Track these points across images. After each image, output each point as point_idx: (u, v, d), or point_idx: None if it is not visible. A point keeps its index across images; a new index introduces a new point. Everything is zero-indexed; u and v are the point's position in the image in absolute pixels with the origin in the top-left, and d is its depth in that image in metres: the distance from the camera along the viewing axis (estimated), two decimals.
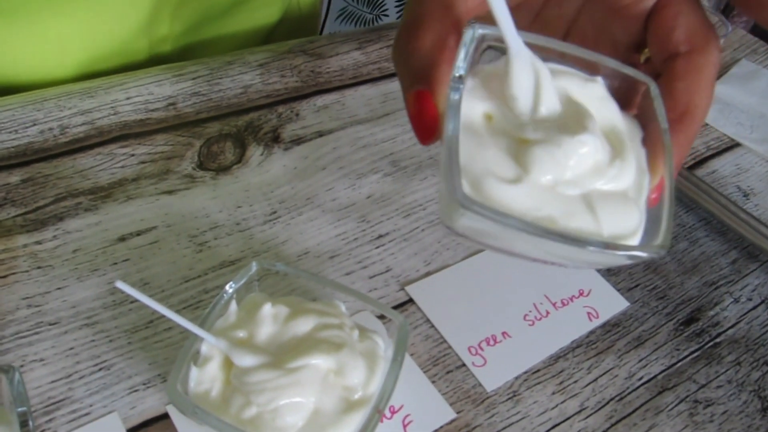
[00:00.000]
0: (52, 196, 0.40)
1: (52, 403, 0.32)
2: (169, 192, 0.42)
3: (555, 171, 0.24)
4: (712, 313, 0.44)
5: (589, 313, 0.41)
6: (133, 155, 0.43)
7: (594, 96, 0.27)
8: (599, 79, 0.27)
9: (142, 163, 0.43)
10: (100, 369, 0.33)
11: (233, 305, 0.33)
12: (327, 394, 0.30)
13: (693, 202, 0.51)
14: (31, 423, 0.27)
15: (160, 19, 0.50)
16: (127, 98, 0.46)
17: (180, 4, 0.50)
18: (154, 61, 0.52)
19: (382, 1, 1.42)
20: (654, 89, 0.27)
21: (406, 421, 0.34)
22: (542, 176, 0.24)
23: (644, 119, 0.28)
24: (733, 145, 0.58)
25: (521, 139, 0.25)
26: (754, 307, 0.45)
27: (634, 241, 0.25)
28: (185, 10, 0.51)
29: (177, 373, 0.30)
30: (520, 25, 0.26)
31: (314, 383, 0.30)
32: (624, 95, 0.28)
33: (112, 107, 0.46)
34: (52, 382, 0.33)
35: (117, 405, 0.32)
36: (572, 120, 0.25)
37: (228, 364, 0.31)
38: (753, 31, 1.19)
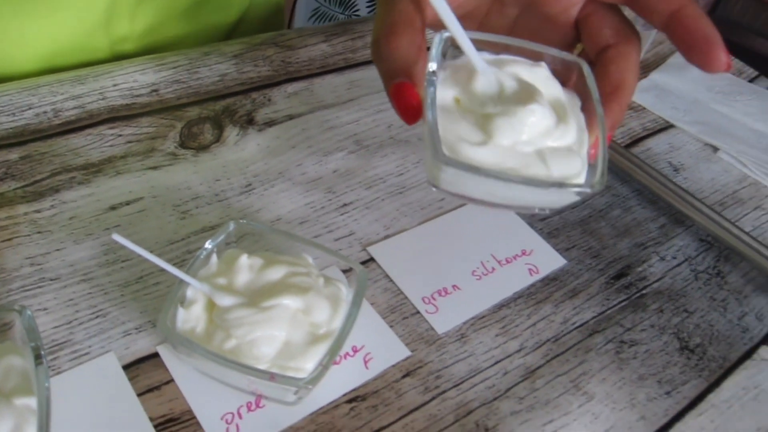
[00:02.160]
0: (48, 171, 0.45)
1: (56, 344, 0.37)
2: (154, 168, 0.47)
3: (512, 134, 0.31)
4: (640, 269, 0.49)
5: (530, 270, 0.47)
6: (120, 135, 0.48)
7: (540, 77, 0.34)
8: (543, 63, 0.35)
9: (129, 142, 0.48)
10: (97, 316, 0.38)
11: (214, 258, 0.38)
12: (296, 329, 0.35)
13: (628, 175, 0.57)
14: (43, 354, 0.31)
15: (118, 18, 0.54)
16: (114, 85, 0.51)
17: (137, 5, 0.54)
18: (116, 58, 0.55)
19: (353, 2, 1.47)
20: (586, 68, 0.35)
21: (366, 358, 0.39)
22: (503, 139, 0.31)
23: (581, 92, 0.35)
24: (668, 127, 0.64)
25: (484, 114, 0.32)
26: (678, 265, 0.51)
27: (579, 181, 0.32)
28: (143, 10, 0.55)
29: (166, 313, 0.35)
30: (468, 26, 0.33)
31: (285, 320, 0.35)
32: (563, 75, 0.35)
33: (100, 93, 0.50)
34: (55, 327, 0.37)
35: (113, 346, 0.37)
36: (524, 95, 0.33)
37: (210, 306, 0.36)
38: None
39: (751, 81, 0.72)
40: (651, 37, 0.63)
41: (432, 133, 0.31)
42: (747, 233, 0.52)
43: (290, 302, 0.35)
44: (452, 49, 0.34)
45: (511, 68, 0.34)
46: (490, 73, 0.33)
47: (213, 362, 0.34)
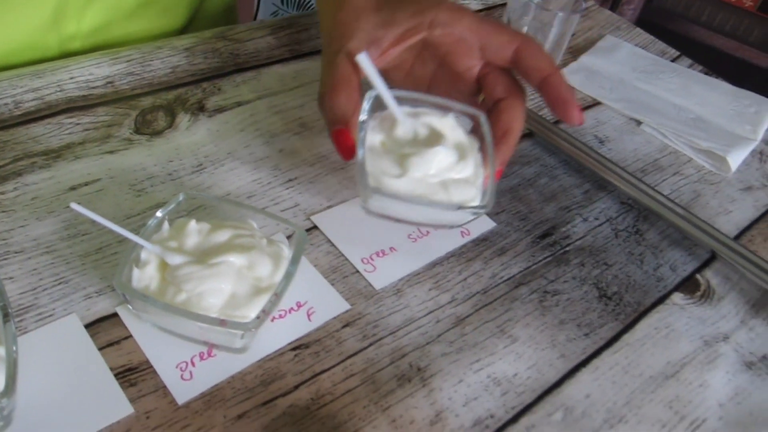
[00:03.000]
0: (10, 157, 0.48)
1: (22, 308, 0.40)
2: (111, 152, 0.51)
3: (422, 169, 0.43)
4: (564, 229, 0.54)
5: (462, 232, 0.51)
6: (78, 124, 0.52)
7: (447, 125, 0.46)
8: (450, 114, 0.46)
9: (87, 130, 0.52)
10: (60, 283, 0.42)
11: (166, 225, 0.41)
12: (240, 282, 0.39)
13: (555, 147, 0.61)
14: (10, 312, 0.35)
15: (65, 17, 0.57)
16: (71, 78, 0.55)
17: (85, 5, 0.57)
18: (66, 56, 0.58)
19: (309, 3, 1.53)
20: (483, 118, 0.46)
21: (309, 312, 0.43)
22: (415, 173, 0.43)
23: (480, 136, 0.46)
24: (595, 104, 0.69)
25: (402, 154, 0.44)
26: (599, 225, 0.55)
27: (473, 204, 0.44)
28: (90, 11, 0.58)
29: (121, 273, 0.38)
30: (397, 79, 0.50)
31: (230, 274, 0.39)
32: (468, 123, 0.47)
33: (58, 85, 0.54)
34: (21, 294, 0.41)
35: (75, 308, 0.41)
36: (432, 139, 0.44)
37: (162, 266, 0.40)
38: (638, 20, 1.33)
39: (673, 60, 0.78)
40: (576, 21, 0.68)
41: (361, 168, 0.42)
42: (664, 195, 0.57)
43: (235, 259, 0.39)
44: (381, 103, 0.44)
45: (424, 118, 0.46)
46: (407, 122, 0.45)
47: (167, 314, 0.37)
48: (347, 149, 0.43)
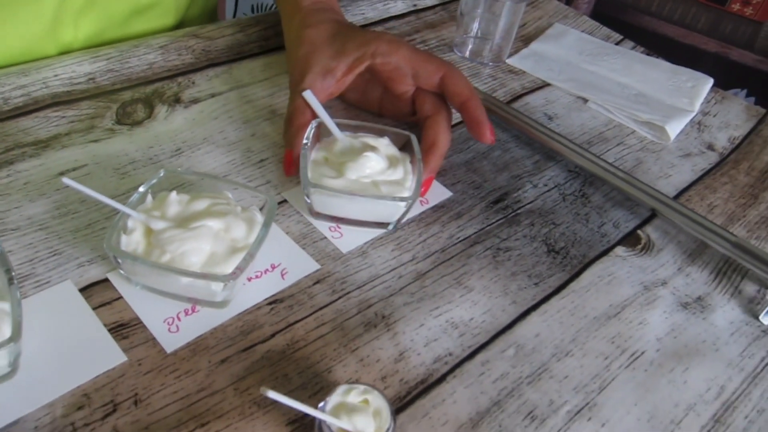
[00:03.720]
0: (2, 148, 0.52)
1: (21, 277, 0.44)
2: (95, 141, 0.55)
3: (356, 172, 0.50)
4: (515, 195, 0.59)
5: (421, 201, 0.56)
6: (64, 117, 0.56)
7: (382, 143, 0.53)
8: (386, 137, 0.54)
9: (72, 122, 0.56)
10: (54, 255, 0.46)
11: (149, 197, 0.46)
12: (218, 243, 0.43)
13: (508, 124, 0.66)
14: (14, 275, 0.39)
15: (63, 26, 0.61)
16: (55, 75, 0.59)
17: (79, 15, 0.62)
18: None
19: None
20: (413, 138, 0.54)
21: (283, 272, 0.48)
22: (350, 175, 0.50)
23: (411, 152, 0.54)
24: (545, 86, 0.75)
25: (340, 162, 0.51)
26: (548, 190, 0.60)
27: (402, 202, 0.50)
28: (86, 20, 0.63)
29: (110, 239, 0.42)
30: (353, 99, 0.63)
31: (209, 236, 0.43)
32: (401, 142, 0.55)
33: (43, 83, 0.58)
34: (19, 264, 0.45)
35: (69, 275, 0.45)
36: (365, 150, 0.51)
37: (148, 233, 0.44)
38: (593, 13, 1.39)
39: (617, 44, 0.83)
40: (522, 10, 0.74)
41: (303, 175, 0.49)
42: (608, 162, 0.62)
43: (213, 223, 0.44)
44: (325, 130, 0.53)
45: (363, 139, 0.53)
46: (346, 140, 0.53)
47: (154, 272, 0.42)
48: (288, 165, 0.54)
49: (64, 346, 0.41)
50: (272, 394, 0.34)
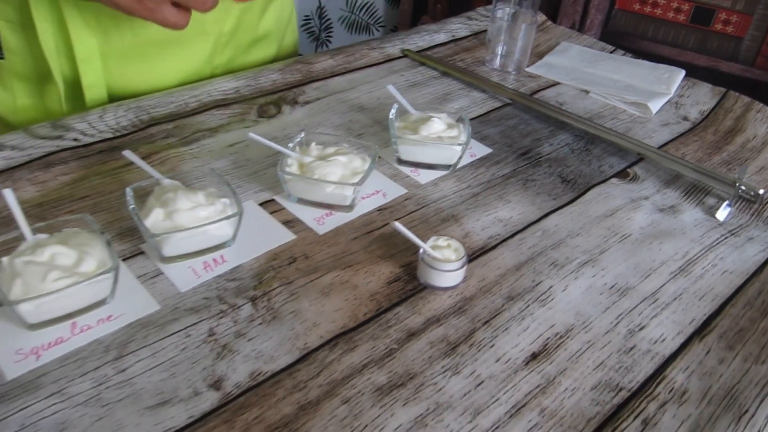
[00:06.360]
0: (189, 132, 0.79)
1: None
2: (246, 127, 0.81)
3: (427, 130, 0.76)
4: (537, 150, 0.83)
5: (471, 155, 0.81)
6: (224, 114, 0.83)
7: (442, 116, 0.79)
8: (444, 113, 0.78)
9: (229, 117, 0.83)
10: (238, 187, 0.71)
11: (297, 149, 0.72)
12: (345, 169, 0.68)
13: (528, 108, 0.91)
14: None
15: (214, 56, 0.90)
16: (214, 88, 0.86)
17: (224, 47, 0.91)
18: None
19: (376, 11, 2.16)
20: (465, 115, 0.92)
21: (384, 194, 0.73)
22: (423, 132, 0.76)
23: (461, 123, 0.76)
24: (556, 84, 1.00)
25: (414, 127, 0.85)
26: (560, 147, 0.85)
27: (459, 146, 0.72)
28: (226, 50, 0.91)
29: (281, 166, 0.68)
30: None
31: (339, 165, 0.68)
32: (456, 117, 0.73)
33: (208, 93, 0.85)
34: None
35: (251, 198, 0.70)
36: (431, 117, 0.75)
37: (300, 167, 0.69)
38: (603, 31, 1.65)
39: (611, 53, 1.09)
40: (534, 30, 1.00)
41: (392, 135, 0.74)
42: (605, 126, 0.87)
43: (341, 158, 0.69)
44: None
45: (428, 113, 0.78)
46: (416, 113, 0.78)
47: (309, 184, 0.67)
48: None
49: (259, 230, 0.66)
50: (398, 226, 0.58)
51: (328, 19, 2.45)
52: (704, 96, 1.00)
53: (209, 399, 0.49)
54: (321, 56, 0.98)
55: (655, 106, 0.94)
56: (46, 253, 0.53)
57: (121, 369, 0.51)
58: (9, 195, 0.56)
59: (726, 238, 0.72)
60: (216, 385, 0.50)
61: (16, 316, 0.52)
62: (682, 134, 0.91)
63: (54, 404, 0.48)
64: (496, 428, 0.49)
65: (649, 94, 0.96)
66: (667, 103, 0.97)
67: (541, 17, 1.18)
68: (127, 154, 0.65)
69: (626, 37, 1.57)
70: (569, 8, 1.65)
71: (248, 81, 0.90)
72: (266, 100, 0.87)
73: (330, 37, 2.49)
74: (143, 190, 0.62)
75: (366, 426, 0.48)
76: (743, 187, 0.76)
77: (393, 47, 1.06)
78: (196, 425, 0.47)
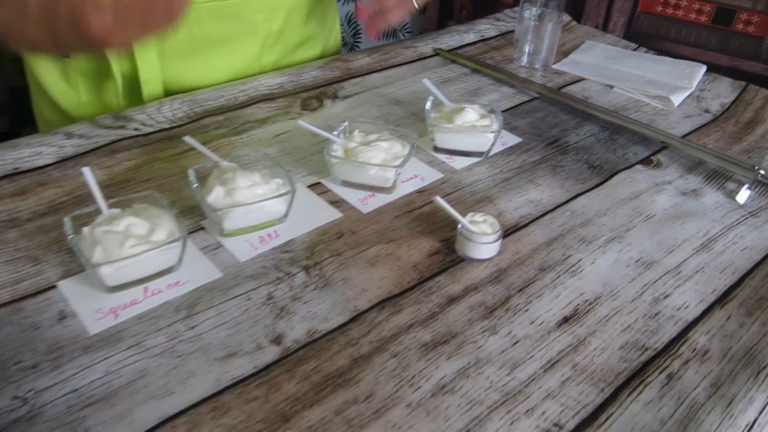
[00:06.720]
0: (239, 123, 0.85)
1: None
2: (292, 119, 0.87)
3: (461, 120, 0.81)
4: (565, 139, 0.88)
5: (502, 143, 0.86)
6: (270, 107, 0.89)
7: (474, 107, 0.84)
8: (476, 104, 0.83)
9: (276, 110, 0.89)
10: (290, 170, 0.77)
11: (341, 135, 0.77)
12: (386, 153, 0.73)
13: (556, 102, 0.96)
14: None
15: (263, 54, 0.97)
16: (261, 84, 0.93)
17: (272, 47, 0.97)
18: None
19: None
20: (496, 107, 0.95)
21: (422, 178, 0.78)
22: (457, 121, 0.81)
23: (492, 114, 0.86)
24: (581, 80, 1.05)
25: (449, 117, 0.94)
26: (587, 137, 0.89)
27: (491, 134, 0.77)
28: (274, 49, 0.98)
29: (329, 149, 0.73)
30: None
31: (381, 150, 0.73)
32: (487, 109, 0.84)
33: (255, 88, 0.92)
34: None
35: (302, 180, 0.76)
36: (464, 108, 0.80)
37: (345, 152, 0.75)
38: (626, 33, 1.69)
39: (634, 50, 1.13)
40: (560, 29, 1.05)
41: (429, 124, 0.80)
42: (630, 118, 0.91)
43: (382, 143, 0.74)
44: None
45: (461, 104, 0.83)
46: (451, 104, 0.84)
47: (353, 168, 0.72)
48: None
49: (308, 209, 0.71)
50: (439, 200, 0.64)
51: (357, 26, 2.54)
52: (725, 90, 1.04)
53: (271, 352, 0.55)
54: (358, 55, 1.04)
55: (677, 99, 0.98)
56: (122, 223, 0.59)
57: (191, 326, 0.56)
58: (87, 173, 0.62)
59: (746, 218, 0.76)
60: (277, 340, 0.56)
61: (96, 279, 0.58)
62: (703, 125, 0.95)
63: (133, 355, 0.54)
64: (532, 380, 0.54)
65: (671, 88, 1.00)
66: (688, 96, 1.01)
67: (566, 17, 1.23)
68: (188, 139, 0.71)
69: (649, 38, 1.61)
70: (593, 11, 1.70)
71: (291, 77, 0.96)
72: (309, 95, 0.93)
73: (359, 42, 2.60)
74: (202, 172, 0.68)
75: (414, 376, 0.53)
76: (762, 171, 0.80)
77: (425, 46, 1.12)
78: (261, 374, 0.53)
